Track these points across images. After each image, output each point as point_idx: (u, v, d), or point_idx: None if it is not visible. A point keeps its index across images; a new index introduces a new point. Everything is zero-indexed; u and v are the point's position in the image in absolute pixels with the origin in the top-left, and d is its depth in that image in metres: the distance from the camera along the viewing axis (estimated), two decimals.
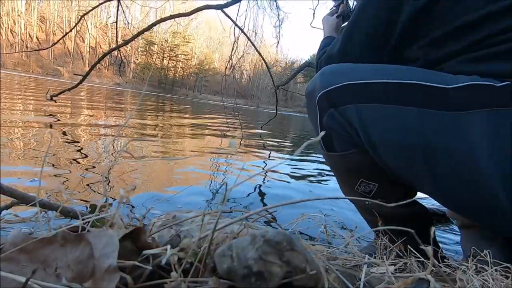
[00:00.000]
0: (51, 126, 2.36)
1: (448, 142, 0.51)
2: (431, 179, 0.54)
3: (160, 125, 3.75)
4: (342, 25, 1.00)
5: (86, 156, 1.60)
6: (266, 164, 2.18)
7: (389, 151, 0.57)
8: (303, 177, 1.90)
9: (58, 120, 2.74)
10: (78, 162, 1.44)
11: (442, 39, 0.58)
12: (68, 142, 1.87)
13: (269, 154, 2.65)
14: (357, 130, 0.59)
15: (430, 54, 0.60)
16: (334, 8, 1.04)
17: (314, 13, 3.60)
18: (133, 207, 0.98)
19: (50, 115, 2.97)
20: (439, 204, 0.70)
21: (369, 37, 0.67)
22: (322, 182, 1.85)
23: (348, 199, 1.33)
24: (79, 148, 1.76)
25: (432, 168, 0.53)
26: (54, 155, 1.50)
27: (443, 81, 0.53)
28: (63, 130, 2.26)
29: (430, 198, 0.59)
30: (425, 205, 0.71)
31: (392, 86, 0.57)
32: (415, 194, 0.69)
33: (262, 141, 3.50)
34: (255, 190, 1.43)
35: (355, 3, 1.00)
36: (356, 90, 0.60)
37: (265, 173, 1.82)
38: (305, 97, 0.72)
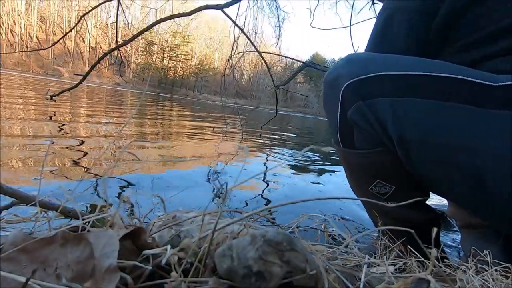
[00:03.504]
0: (51, 119, 2.36)
1: (495, 146, 0.47)
2: (466, 182, 0.50)
3: (161, 125, 3.75)
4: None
5: (87, 155, 1.60)
6: (266, 165, 2.18)
7: (424, 149, 0.52)
8: (303, 177, 1.90)
9: (58, 123, 2.74)
10: (79, 162, 1.44)
11: (482, 41, 0.56)
12: (69, 142, 1.87)
13: (270, 154, 2.65)
14: (385, 126, 0.54)
15: (465, 55, 0.57)
16: None
17: (313, 13, 3.61)
18: (133, 206, 0.98)
19: (50, 116, 2.97)
20: (436, 203, 0.69)
21: (410, 26, 0.62)
22: (323, 182, 1.85)
23: (356, 199, 1.32)
24: (80, 148, 1.76)
25: (473, 172, 0.49)
26: (53, 153, 1.50)
27: (486, 78, 0.50)
28: (63, 130, 2.26)
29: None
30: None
31: (434, 79, 0.52)
32: (428, 198, 0.66)
33: (262, 141, 3.50)
34: (255, 190, 1.43)
35: None
36: (391, 82, 0.54)
37: (265, 173, 1.82)
38: (324, 86, 0.66)
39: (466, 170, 0.50)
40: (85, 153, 1.66)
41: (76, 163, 1.43)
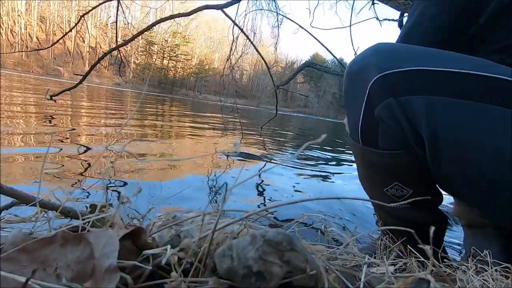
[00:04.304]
0: (50, 122, 2.36)
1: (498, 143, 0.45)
2: (483, 182, 0.48)
3: (161, 125, 3.74)
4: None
5: (87, 154, 1.60)
6: (266, 165, 2.18)
7: (457, 151, 0.49)
8: (303, 177, 1.90)
9: (56, 125, 2.74)
10: (78, 162, 1.44)
11: None
12: (68, 142, 1.86)
13: (270, 154, 2.64)
14: (416, 126, 0.51)
15: (503, 56, 0.54)
16: None
17: (313, 13, 3.60)
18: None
19: (50, 116, 2.97)
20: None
21: (439, 26, 0.59)
22: (323, 182, 1.85)
23: (356, 199, 1.32)
24: (80, 148, 1.76)
25: (504, 177, 0.46)
26: (54, 155, 1.50)
27: None
28: (63, 129, 2.26)
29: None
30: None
31: (472, 78, 0.48)
32: (441, 203, 0.65)
33: (262, 141, 3.50)
34: (255, 190, 1.43)
35: None
36: (425, 78, 0.50)
37: (264, 174, 1.82)
38: (347, 77, 0.61)
39: (484, 169, 0.48)
40: (84, 153, 1.66)
41: (75, 163, 1.43)
